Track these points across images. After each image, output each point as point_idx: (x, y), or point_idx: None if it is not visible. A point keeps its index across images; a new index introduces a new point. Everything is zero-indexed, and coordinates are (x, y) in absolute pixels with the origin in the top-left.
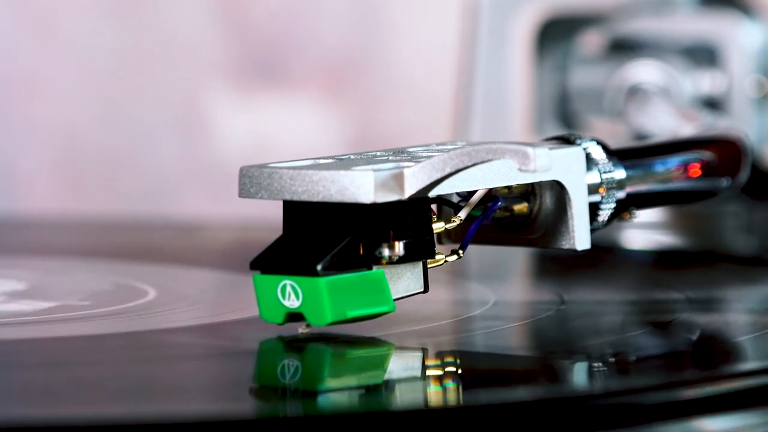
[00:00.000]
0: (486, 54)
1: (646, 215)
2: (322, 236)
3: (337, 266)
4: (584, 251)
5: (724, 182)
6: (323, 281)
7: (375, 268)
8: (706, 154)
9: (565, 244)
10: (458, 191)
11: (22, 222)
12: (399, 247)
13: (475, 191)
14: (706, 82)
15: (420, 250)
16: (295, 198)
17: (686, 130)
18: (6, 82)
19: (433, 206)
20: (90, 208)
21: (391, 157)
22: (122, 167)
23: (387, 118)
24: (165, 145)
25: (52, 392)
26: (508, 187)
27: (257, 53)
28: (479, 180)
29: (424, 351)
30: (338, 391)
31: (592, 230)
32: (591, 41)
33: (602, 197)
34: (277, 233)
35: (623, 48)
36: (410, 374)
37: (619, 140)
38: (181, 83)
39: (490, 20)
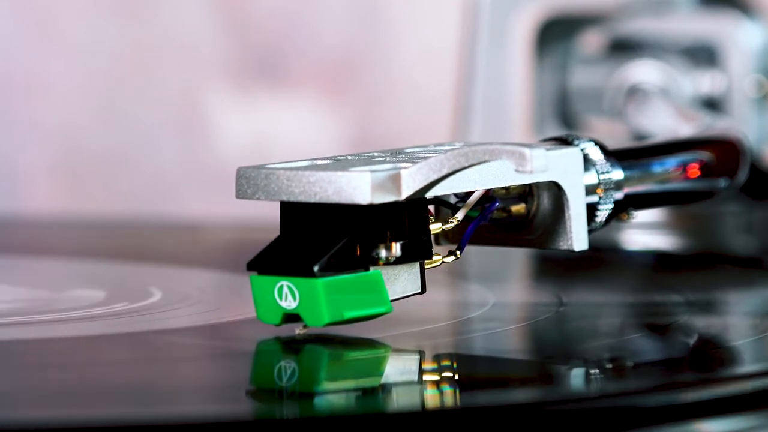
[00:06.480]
0: (486, 54)
1: (645, 216)
2: (319, 237)
3: (334, 267)
4: (582, 252)
5: (723, 183)
6: (320, 282)
7: (372, 269)
8: (705, 155)
9: (563, 245)
10: (455, 192)
11: (22, 222)
12: (396, 248)
13: (472, 192)
14: (705, 82)
15: (417, 251)
16: (292, 199)
17: (685, 130)
18: (6, 82)
19: (431, 207)
20: (90, 208)
21: (388, 158)
22: (122, 167)
23: (387, 118)
24: (165, 145)
25: (51, 393)
26: (506, 188)
27: (257, 53)
28: (476, 181)
29: (422, 353)
30: (335, 393)
31: (590, 231)
32: (591, 41)
33: (600, 198)
34: (276, 234)
35: (623, 48)
36: (407, 376)
37: (618, 140)
38: (181, 83)
39: (490, 20)
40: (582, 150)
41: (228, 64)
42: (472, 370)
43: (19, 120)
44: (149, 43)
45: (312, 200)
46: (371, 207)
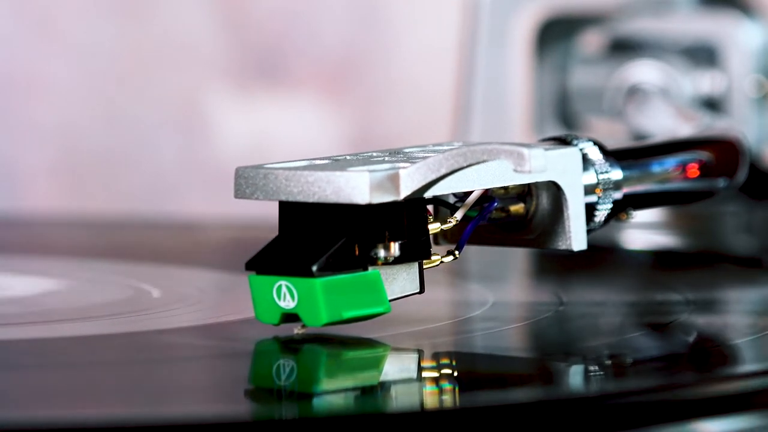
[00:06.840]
0: (486, 54)
1: (645, 215)
2: (318, 237)
3: (332, 267)
4: (580, 252)
5: (722, 182)
6: (318, 282)
7: (370, 269)
8: (704, 155)
9: (562, 245)
10: (454, 192)
11: (22, 222)
12: (394, 248)
13: (471, 192)
14: (705, 82)
15: (415, 251)
16: (291, 199)
17: (685, 130)
18: (6, 82)
19: (429, 207)
20: (90, 208)
21: (386, 158)
22: (122, 167)
23: (387, 118)
24: (165, 145)
25: (51, 393)
26: (505, 188)
27: (257, 53)
28: (475, 181)
29: (420, 352)
30: (334, 392)
31: (589, 231)
32: (591, 41)
33: (599, 198)
34: (275, 233)
35: (623, 48)
36: (406, 376)
37: (618, 140)
38: (181, 83)
39: (490, 20)
40: (581, 150)
41: (228, 64)
42: (471, 370)
43: (19, 120)
44: (149, 43)
45: (310, 200)
46: (370, 207)
